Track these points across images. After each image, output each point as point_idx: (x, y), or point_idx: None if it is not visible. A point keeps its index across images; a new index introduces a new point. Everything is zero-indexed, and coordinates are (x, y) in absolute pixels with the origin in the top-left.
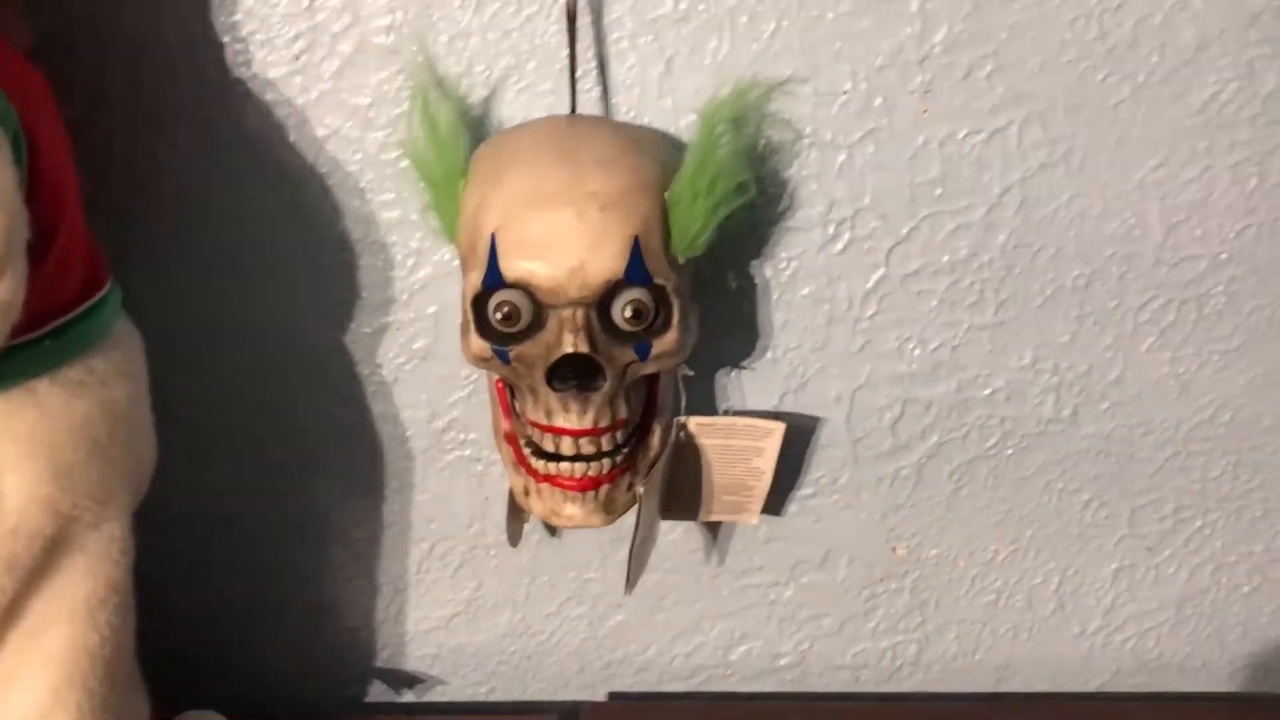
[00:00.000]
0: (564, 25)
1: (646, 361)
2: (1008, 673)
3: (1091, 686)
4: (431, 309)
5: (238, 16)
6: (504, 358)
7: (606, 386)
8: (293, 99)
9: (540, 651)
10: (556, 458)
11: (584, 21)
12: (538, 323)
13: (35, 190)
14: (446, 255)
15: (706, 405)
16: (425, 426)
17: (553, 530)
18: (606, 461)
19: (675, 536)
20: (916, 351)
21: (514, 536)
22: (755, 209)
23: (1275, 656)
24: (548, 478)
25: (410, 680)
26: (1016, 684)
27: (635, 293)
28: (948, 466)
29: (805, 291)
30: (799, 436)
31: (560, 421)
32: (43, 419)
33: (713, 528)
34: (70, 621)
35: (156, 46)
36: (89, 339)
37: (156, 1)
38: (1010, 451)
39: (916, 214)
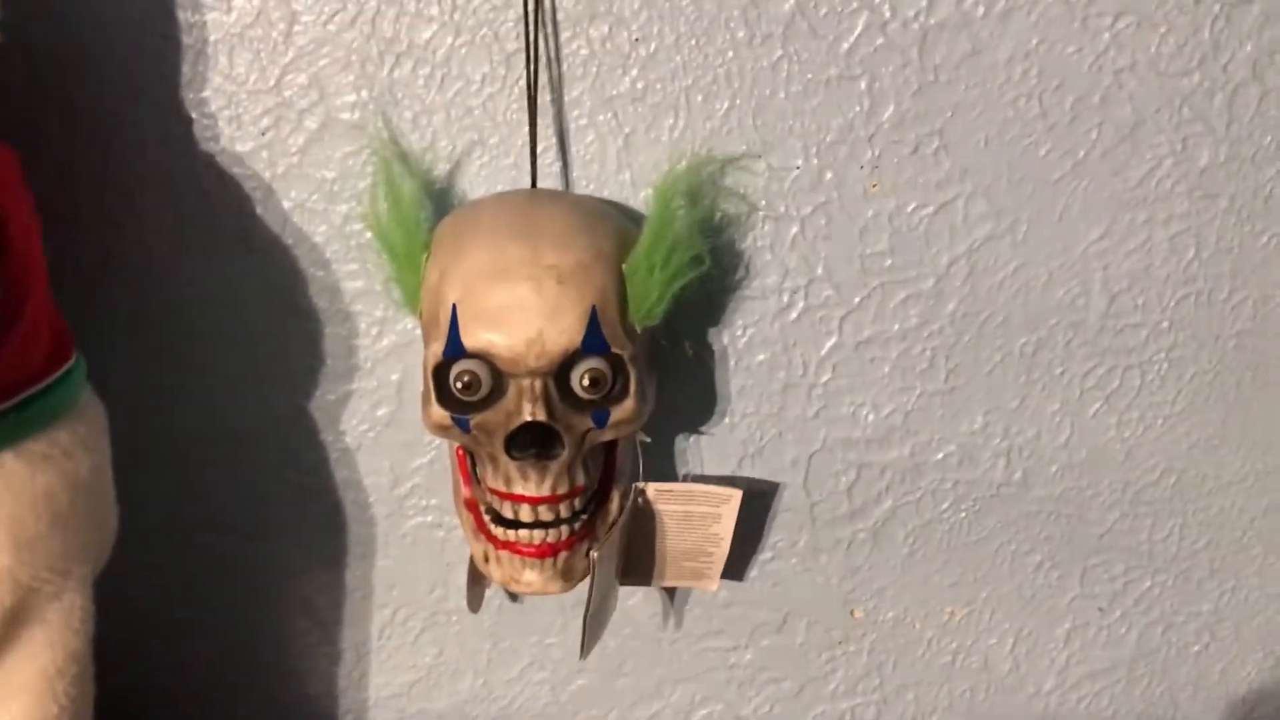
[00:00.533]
0: (525, 103)
1: (604, 429)
2: None
3: None
4: (394, 376)
5: (206, 93)
6: (464, 426)
7: (565, 454)
8: (260, 173)
9: (503, 717)
10: (515, 524)
11: (544, 99)
12: (497, 392)
13: (2, 266)
14: (409, 324)
15: (665, 471)
16: (388, 493)
17: (514, 596)
18: (565, 528)
19: (635, 601)
20: (870, 417)
21: (475, 603)
22: (711, 279)
23: (1226, 715)
24: (507, 544)
25: None
26: None
27: (593, 362)
28: (903, 530)
29: (761, 358)
30: (757, 501)
31: (519, 489)
32: (5, 491)
33: (672, 592)
34: (29, 692)
35: (126, 121)
36: (54, 411)
37: (127, 77)
38: (964, 514)
39: (868, 284)
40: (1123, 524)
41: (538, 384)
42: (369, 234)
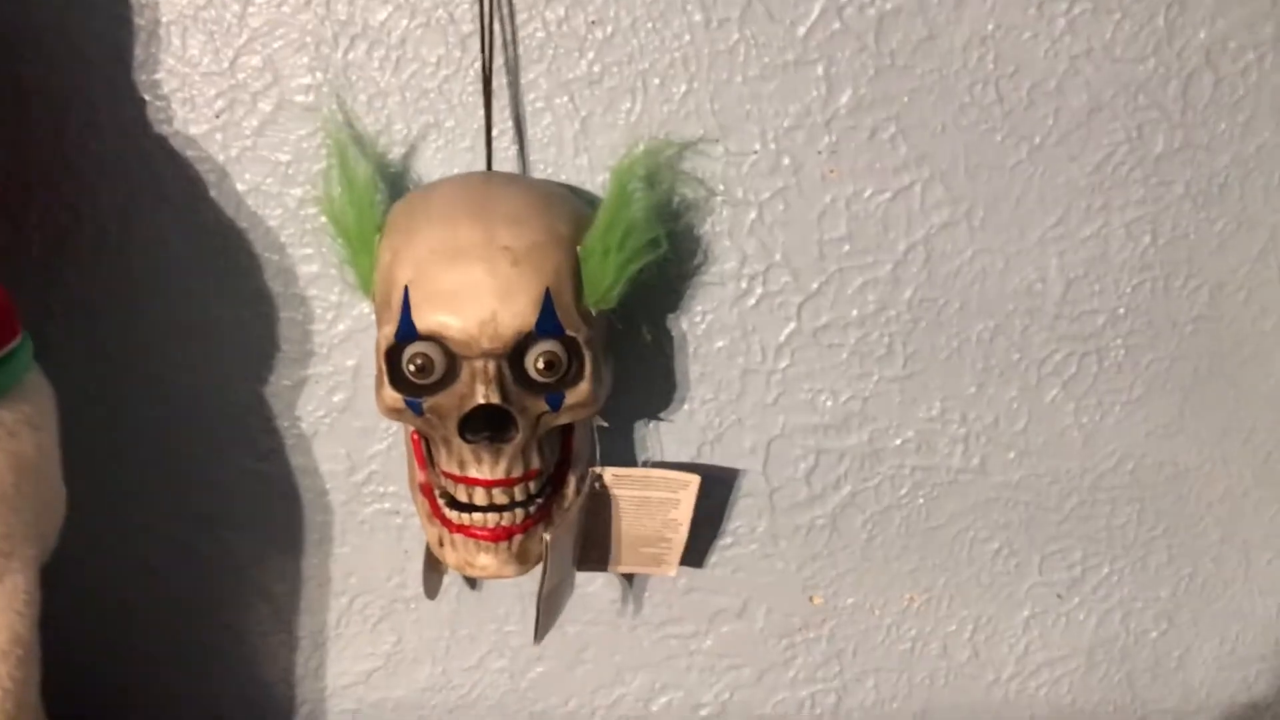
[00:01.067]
0: (480, 86)
1: (559, 412)
2: None
3: None
4: (350, 362)
5: (159, 75)
6: (417, 409)
7: (519, 437)
8: (213, 155)
9: (462, 705)
10: (470, 508)
11: (501, 82)
12: (451, 374)
13: None
14: (365, 309)
15: (625, 457)
16: (344, 480)
17: (472, 583)
18: (520, 511)
19: (594, 588)
20: (829, 403)
21: (431, 589)
22: (669, 264)
23: (1183, 700)
24: (461, 528)
25: None
26: None
27: (547, 344)
28: (861, 516)
29: (720, 345)
30: (717, 487)
31: (473, 472)
32: None
33: (631, 579)
34: None
35: (78, 103)
36: None
37: (79, 59)
38: (921, 501)
39: (826, 270)
40: (1081, 510)
41: (491, 366)
42: (323, 217)
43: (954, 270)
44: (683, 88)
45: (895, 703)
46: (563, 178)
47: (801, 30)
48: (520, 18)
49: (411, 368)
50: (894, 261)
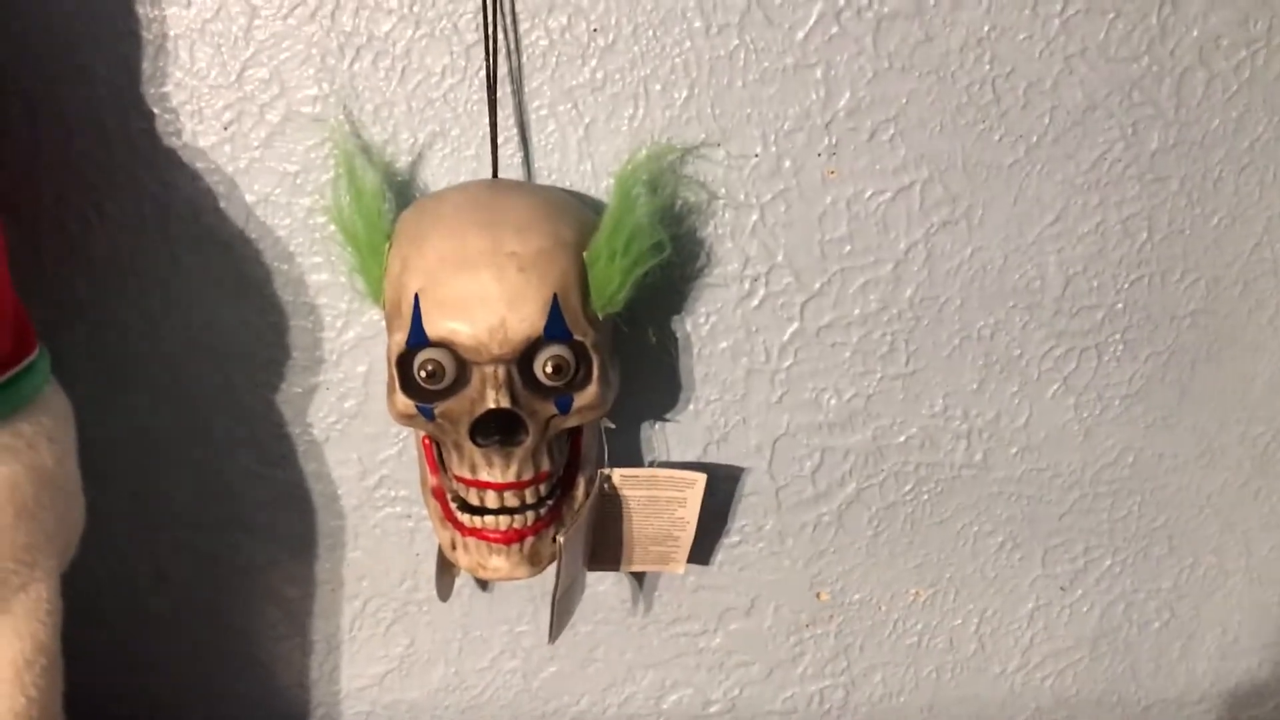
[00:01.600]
0: (485, 94)
1: (568, 415)
2: (933, 713)
3: None
4: (361, 369)
5: (167, 88)
6: (428, 415)
7: (529, 440)
8: (222, 166)
9: (475, 705)
10: (481, 511)
11: (505, 90)
12: (461, 380)
13: None
14: (375, 316)
15: (632, 458)
16: (356, 484)
17: (483, 585)
18: (531, 514)
19: (604, 587)
20: (833, 401)
21: (444, 592)
22: (672, 267)
23: (1187, 690)
24: (473, 531)
25: None
26: None
27: (555, 349)
28: (867, 512)
29: (724, 345)
30: (723, 486)
31: (484, 475)
32: None
33: (640, 578)
34: None
35: (88, 117)
36: (16, 404)
37: (88, 73)
38: (926, 496)
39: (827, 270)
40: (1082, 504)
41: (501, 371)
42: (332, 226)
43: (954, 268)
44: (684, 93)
45: (902, 696)
46: (567, 184)
47: (800, 34)
48: (523, 26)
49: (423, 374)
50: (895, 261)
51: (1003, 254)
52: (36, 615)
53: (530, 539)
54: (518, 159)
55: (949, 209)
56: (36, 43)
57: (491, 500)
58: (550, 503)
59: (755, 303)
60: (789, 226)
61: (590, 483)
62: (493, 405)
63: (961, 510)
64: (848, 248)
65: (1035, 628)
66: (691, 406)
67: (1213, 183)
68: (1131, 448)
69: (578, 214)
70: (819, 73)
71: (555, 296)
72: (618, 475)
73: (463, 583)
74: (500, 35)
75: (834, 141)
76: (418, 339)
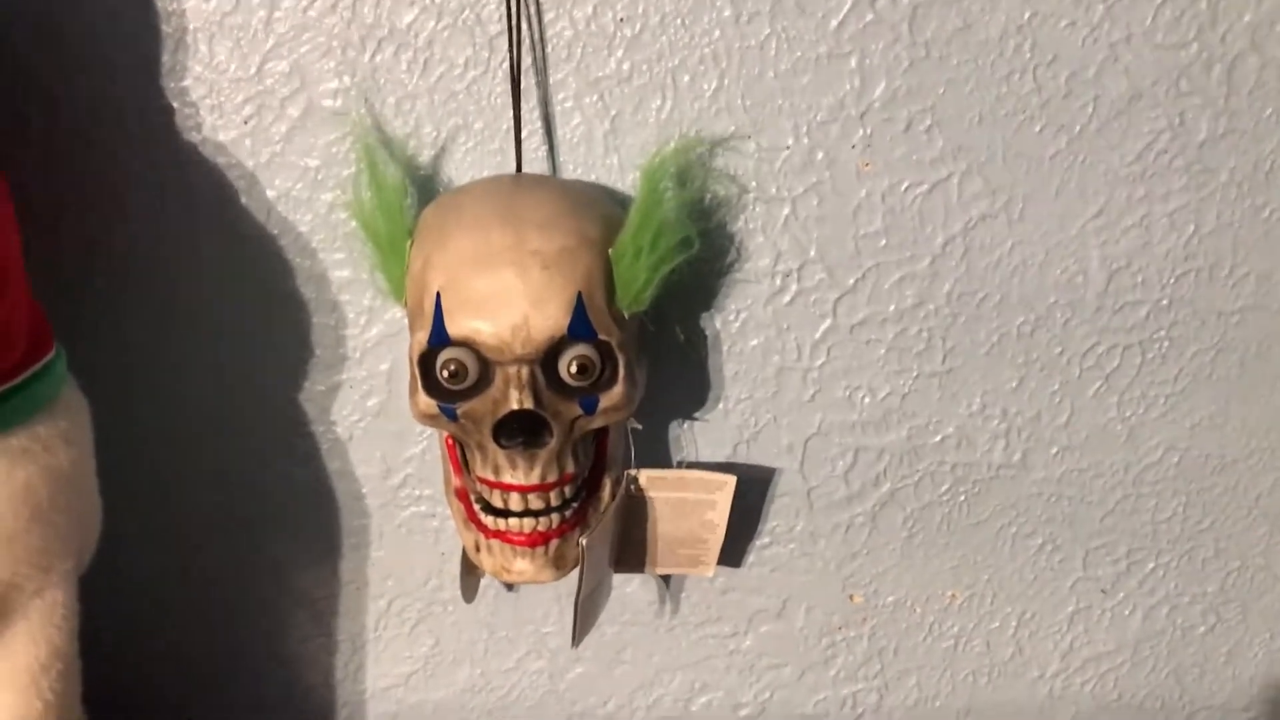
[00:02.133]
0: (509, 87)
1: (594, 416)
2: (969, 718)
3: None
4: (384, 366)
5: (187, 82)
6: (451, 415)
7: (553, 442)
8: (243, 162)
9: (500, 706)
10: (505, 513)
11: (529, 82)
12: (484, 380)
13: None
14: (398, 313)
15: (659, 458)
16: (380, 483)
17: (509, 585)
18: (555, 516)
19: (632, 589)
20: (866, 400)
21: (468, 593)
22: (702, 263)
23: (1233, 696)
24: (497, 533)
25: None
26: None
27: (580, 348)
28: (901, 513)
29: (755, 343)
30: (753, 487)
31: (508, 478)
32: None
33: (669, 578)
34: (13, 689)
35: (107, 112)
36: (32, 406)
37: (108, 68)
38: (963, 497)
39: (862, 265)
40: (1125, 505)
41: (524, 371)
42: (353, 222)
43: (993, 263)
44: (713, 84)
45: (938, 701)
46: (593, 178)
47: (834, 23)
48: (548, 16)
49: (445, 374)
50: (931, 255)
51: (1044, 248)
52: (52, 620)
53: (555, 542)
54: (542, 152)
55: (988, 202)
56: (56, 37)
57: (515, 503)
58: (575, 505)
59: (787, 299)
60: (822, 221)
61: (616, 484)
62: (516, 406)
63: (999, 511)
64: (883, 242)
65: (1075, 631)
66: (721, 406)
67: (1264, 174)
68: (1176, 447)
69: (603, 209)
70: (853, 62)
71: (580, 295)
72: (645, 477)
73: (488, 583)
74: (524, 26)
75: (869, 133)
76: (440, 338)
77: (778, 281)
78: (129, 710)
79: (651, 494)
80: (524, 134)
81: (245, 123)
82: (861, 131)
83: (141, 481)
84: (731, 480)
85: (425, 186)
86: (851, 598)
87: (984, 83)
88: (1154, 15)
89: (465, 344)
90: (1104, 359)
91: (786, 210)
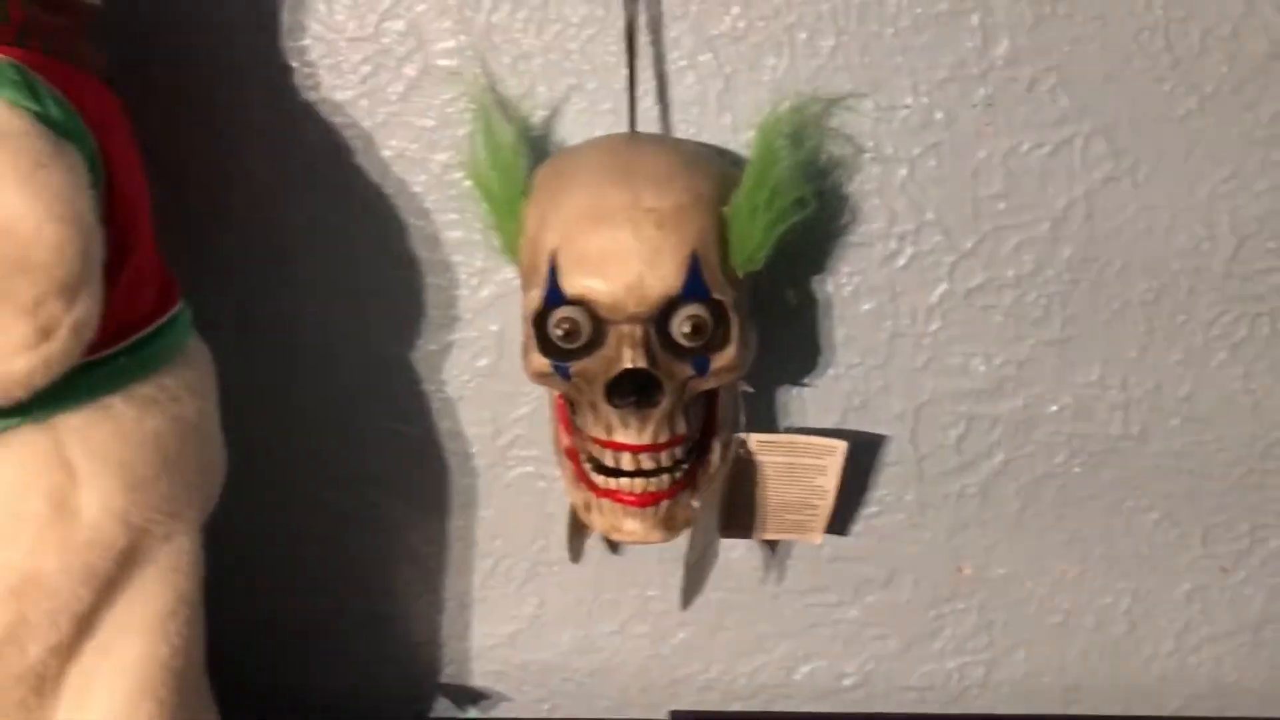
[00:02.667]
0: (624, 45)
1: (705, 377)
2: (1078, 695)
3: (1165, 711)
4: (494, 327)
5: (306, 41)
6: (564, 374)
7: (665, 402)
8: (359, 121)
9: (603, 669)
10: (617, 473)
11: (643, 41)
12: (597, 339)
13: (110, 210)
14: (509, 274)
15: (767, 423)
16: (489, 443)
17: (614, 547)
18: (666, 477)
19: (737, 555)
20: (981, 368)
21: (575, 553)
22: (815, 224)
23: None
24: (608, 493)
25: (474, 696)
26: (1086, 707)
27: (693, 308)
28: (1014, 484)
29: (867, 307)
30: (862, 454)
31: (620, 437)
32: (116, 434)
33: (774, 545)
34: (143, 633)
35: (227, 71)
36: (161, 356)
37: (229, 29)
38: (1078, 470)
39: (980, 228)
40: (1249, 480)
41: (638, 330)
42: (468, 182)
43: (1116, 228)
44: (830, 41)
45: (1046, 677)
46: (706, 137)
47: None
48: None
49: (558, 332)
50: (1052, 219)
51: (1170, 213)
52: (180, 566)
53: (666, 502)
54: (655, 112)
55: (1112, 164)
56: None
57: (627, 462)
58: (685, 466)
59: (901, 262)
60: (940, 182)
61: (726, 447)
62: (629, 365)
63: (1116, 484)
64: (1002, 205)
65: (1192, 610)
66: (831, 371)
67: None
68: None
69: (717, 168)
70: (975, 19)
71: (694, 254)
72: (755, 440)
73: (593, 545)
74: None
75: (990, 92)
76: (554, 297)
77: (892, 244)
78: (235, 664)
79: (761, 458)
80: (637, 93)
81: (362, 82)
82: (982, 91)
83: (254, 438)
84: (843, 446)
85: (539, 147)
86: (960, 570)
87: (1112, 41)
88: None
89: (579, 302)
90: (1230, 328)
91: (903, 171)
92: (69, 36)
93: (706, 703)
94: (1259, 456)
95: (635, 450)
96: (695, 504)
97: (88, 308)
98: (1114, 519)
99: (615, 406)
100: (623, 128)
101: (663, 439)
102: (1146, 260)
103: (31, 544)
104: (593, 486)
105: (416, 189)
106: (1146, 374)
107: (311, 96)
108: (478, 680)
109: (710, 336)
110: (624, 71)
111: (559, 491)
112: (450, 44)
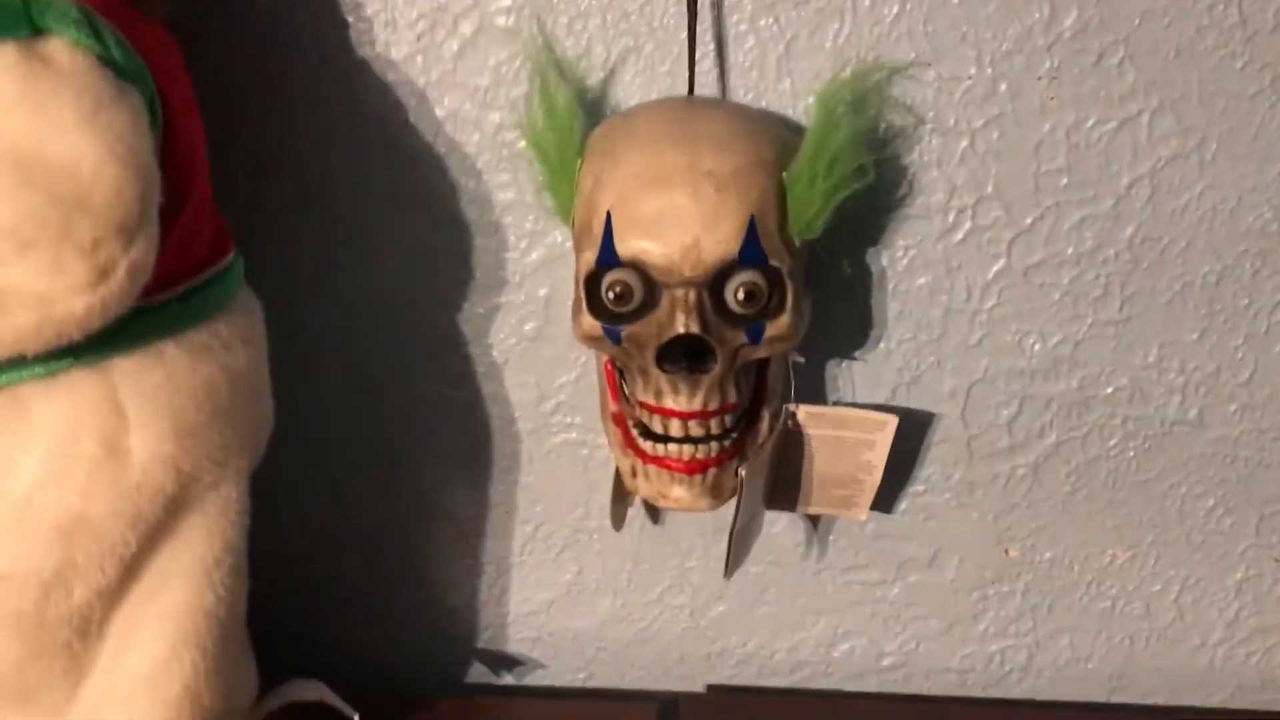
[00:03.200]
0: (683, 7)
1: (758, 345)
2: (1122, 683)
3: (1212, 702)
4: (543, 291)
5: None
6: (615, 338)
7: (717, 369)
8: (414, 79)
9: (640, 639)
10: (665, 439)
11: (703, 3)
12: (650, 302)
13: (168, 154)
14: (559, 238)
15: (816, 395)
16: (533, 409)
17: (655, 516)
18: (715, 445)
19: (779, 529)
20: (1037, 347)
21: (617, 520)
22: (873, 194)
23: None
24: (655, 459)
25: (510, 662)
26: (1131, 695)
27: (749, 274)
28: (1066, 467)
29: (922, 281)
30: (911, 431)
31: (669, 403)
32: (168, 380)
33: (816, 521)
34: (188, 580)
35: (283, 25)
36: (214, 304)
37: None
38: (1132, 453)
39: (1041, 204)
40: None
41: (691, 295)
42: (522, 142)
43: (1180, 207)
44: (894, 8)
45: (1091, 663)
46: (764, 103)
47: None
48: None
49: (611, 295)
50: (1115, 197)
51: (1237, 193)
52: (227, 515)
53: (713, 470)
54: (713, 76)
55: (1179, 142)
56: None
57: (675, 429)
58: (734, 435)
59: (959, 237)
60: (1001, 156)
61: (775, 417)
62: (681, 330)
63: (1170, 469)
64: (1064, 181)
65: (1243, 599)
66: (883, 345)
67: None
68: None
69: (778, 132)
70: None
71: (753, 218)
72: (803, 412)
73: (634, 514)
74: None
75: (1056, 65)
76: (608, 258)
77: (950, 218)
78: (275, 622)
79: (809, 430)
80: (696, 56)
81: (418, 39)
82: (1048, 63)
83: (295, 395)
84: (893, 420)
85: (594, 109)
86: (1006, 551)
87: (1183, 14)
88: None
89: (633, 265)
90: None
91: (964, 143)
92: None
93: (743, 677)
94: None
95: (684, 416)
96: (742, 473)
97: (144, 250)
98: (1166, 504)
99: (666, 372)
100: (680, 91)
101: (712, 406)
102: (1210, 241)
103: (83, 484)
104: (640, 452)
105: (469, 149)
106: (1206, 357)
107: (366, 52)
108: (513, 646)
109: (765, 304)
110: (683, 34)
111: (601, 459)
112: (507, 2)
